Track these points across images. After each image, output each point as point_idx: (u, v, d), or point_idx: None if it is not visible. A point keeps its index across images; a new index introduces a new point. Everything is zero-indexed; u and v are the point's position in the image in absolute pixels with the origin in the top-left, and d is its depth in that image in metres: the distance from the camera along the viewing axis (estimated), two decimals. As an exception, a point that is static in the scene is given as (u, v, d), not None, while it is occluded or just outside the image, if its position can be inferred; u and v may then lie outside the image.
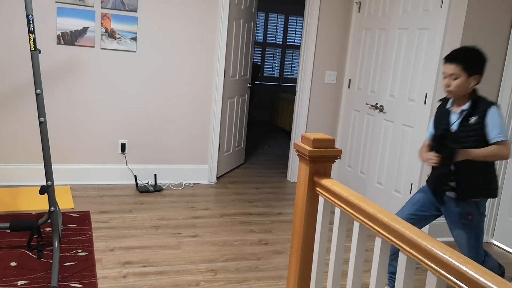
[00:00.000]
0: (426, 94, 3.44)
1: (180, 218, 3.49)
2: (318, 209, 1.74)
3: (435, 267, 1.13)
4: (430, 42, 3.41)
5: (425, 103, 3.45)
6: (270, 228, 3.45)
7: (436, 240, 1.19)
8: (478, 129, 2.19)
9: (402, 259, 1.27)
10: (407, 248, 1.22)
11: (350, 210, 1.50)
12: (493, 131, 2.16)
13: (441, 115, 2.38)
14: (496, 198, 3.45)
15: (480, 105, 2.20)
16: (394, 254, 2.39)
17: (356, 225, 1.51)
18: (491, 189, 2.30)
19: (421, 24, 3.51)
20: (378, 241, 1.38)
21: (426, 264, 1.16)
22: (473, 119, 2.20)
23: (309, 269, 1.80)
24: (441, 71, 3.33)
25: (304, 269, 1.80)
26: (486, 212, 2.36)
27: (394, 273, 2.42)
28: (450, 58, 2.21)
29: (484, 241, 3.50)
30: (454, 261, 1.09)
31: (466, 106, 2.23)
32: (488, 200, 3.44)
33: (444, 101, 2.39)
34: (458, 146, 2.22)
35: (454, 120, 2.30)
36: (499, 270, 2.47)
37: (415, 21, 3.57)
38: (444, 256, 1.11)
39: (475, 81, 2.21)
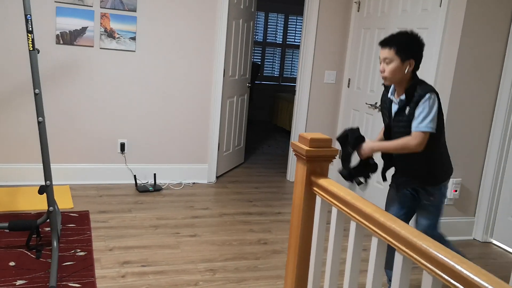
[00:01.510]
0: (425, 93, 3.43)
1: (180, 217, 3.49)
2: (315, 208, 1.74)
3: (431, 267, 1.13)
4: (429, 42, 3.41)
5: (424, 103, 3.45)
6: (270, 228, 3.45)
7: (431, 240, 1.19)
8: (410, 120, 2.11)
9: (398, 259, 1.27)
10: (403, 248, 1.22)
11: (347, 210, 1.50)
12: (415, 121, 2.08)
13: (384, 103, 2.31)
14: (495, 198, 3.45)
15: (416, 94, 2.09)
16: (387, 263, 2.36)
17: (352, 225, 1.51)
18: (440, 175, 2.25)
19: (420, 24, 3.50)
20: (374, 241, 1.38)
21: (422, 263, 1.16)
22: (407, 110, 2.12)
23: (307, 268, 1.80)
24: (440, 71, 3.33)
25: (301, 269, 1.80)
26: (447, 194, 2.35)
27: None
28: (384, 42, 2.13)
29: (483, 240, 3.51)
30: (449, 261, 1.09)
31: (403, 96, 2.15)
32: (488, 198, 3.45)
33: (386, 88, 2.29)
34: (393, 137, 2.19)
35: (394, 110, 2.23)
36: None
37: (414, 21, 3.57)
38: (439, 255, 1.11)
39: (410, 66, 2.10)
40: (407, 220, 2.41)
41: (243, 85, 4.88)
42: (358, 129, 2.23)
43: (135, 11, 3.89)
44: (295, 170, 5.06)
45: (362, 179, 2.27)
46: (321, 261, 1.77)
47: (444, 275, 1.09)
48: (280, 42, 8.23)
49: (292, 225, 1.82)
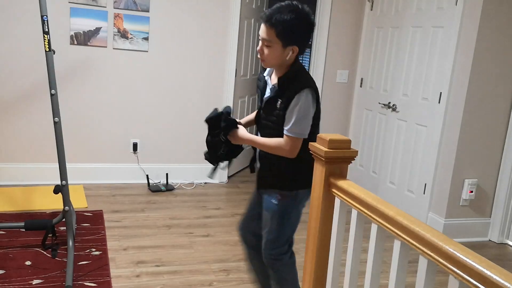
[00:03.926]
0: (441, 93, 3.40)
1: (192, 217, 3.49)
2: (334, 210, 1.73)
3: (457, 271, 1.11)
4: (444, 40, 3.37)
5: (439, 102, 3.41)
6: (282, 228, 3.44)
7: (457, 243, 1.16)
8: (281, 116, 1.80)
9: (422, 262, 1.25)
10: (428, 252, 1.20)
11: (368, 212, 1.48)
12: (287, 123, 1.79)
13: (259, 81, 1.99)
14: (506, 198, 3.40)
15: (290, 87, 1.77)
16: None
17: (374, 227, 1.49)
18: (293, 182, 1.91)
19: (435, 22, 3.46)
20: (397, 244, 1.36)
21: (448, 268, 1.14)
22: (279, 103, 1.80)
23: (325, 270, 1.79)
24: (456, 70, 3.29)
25: (319, 270, 1.79)
26: (305, 203, 1.96)
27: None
28: (265, 17, 1.73)
29: (500, 242, 3.46)
30: (477, 265, 1.07)
31: (277, 84, 1.83)
32: (504, 199, 3.40)
33: (267, 74, 1.95)
34: (261, 127, 1.91)
35: (266, 95, 1.90)
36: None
37: (429, 19, 3.53)
38: (467, 259, 1.09)
39: (293, 53, 1.77)
40: (252, 225, 2.11)
41: (255, 85, 4.87)
42: (230, 111, 1.93)
43: (148, 11, 3.90)
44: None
45: (223, 163, 2.03)
46: (339, 263, 1.76)
47: (472, 280, 1.07)
48: (291, 41, 8.21)
49: (310, 227, 1.81)
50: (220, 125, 1.90)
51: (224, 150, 1.98)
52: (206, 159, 2.05)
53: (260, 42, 1.79)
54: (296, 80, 1.79)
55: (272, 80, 1.90)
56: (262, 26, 1.76)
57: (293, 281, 2.06)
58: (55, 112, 2.58)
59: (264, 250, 2.01)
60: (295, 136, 1.80)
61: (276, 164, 1.91)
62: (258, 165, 2.03)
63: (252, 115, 2.09)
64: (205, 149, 2.04)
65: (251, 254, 2.17)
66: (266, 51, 1.77)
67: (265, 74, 1.94)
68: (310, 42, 1.91)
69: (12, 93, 3.74)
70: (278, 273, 2.04)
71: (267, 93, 1.90)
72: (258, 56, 1.83)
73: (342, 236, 1.72)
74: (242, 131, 1.93)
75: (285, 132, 1.81)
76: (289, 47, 1.75)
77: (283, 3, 1.75)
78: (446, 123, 3.37)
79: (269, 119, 1.88)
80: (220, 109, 1.96)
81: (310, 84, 1.79)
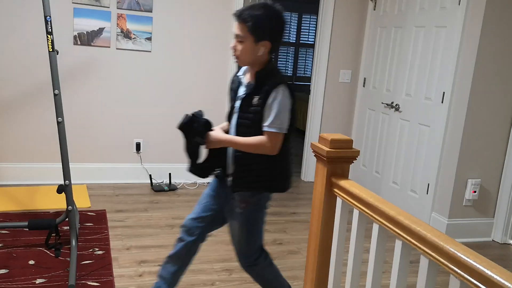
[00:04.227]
0: (444, 93, 3.39)
1: (195, 217, 3.49)
2: (335, 210, 1.73)
3: (459, 271, 1.11)
4: (447, 40, 3.36)
5: (442, 102, 3.40)
6: (285, 228, 3.44)
7: (459, 243, 1.16)
8: (258, 112, 1.78)
9: (423, 263, 1.25)
10: (429, 252, 1.20)
11: (369, 212, 1.48)
12: (267, 119, 1.76)
13: (233, 83, 1.97)
14: (509, 198, 3.39)
15: (267, 83, 1.77)
16: (170, 257, 2.08)
17: (375, 227, 1.49)
18: (270, 182, 1.88)
19: (439, 22, 3.45)
20: (398, 244, 1.36)
21: (449, 268, 1.14)
22: (255, 99, 1.79)
23: (327, 269, 1.79)
24: (459, 70, 3.28)
25: (321, 270, 1.79)
26: (267, 206, 1.95)
27: (163, 277, 2.09)
28: (237, 14, 1.79)
29: (503, 242, 3.44)
30: (478, 265, 1.07)
31: (253, 80, 1.83)
32: (508, 199, 3.39)
33: (240, 66, 1.95)
34: (237, 128, 1.86)
35: (241, 93, 1.90)
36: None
37: (432, 19, 3.52)
38: (468, 260, 1.09)
39: (266, 48, 1.78)
40: (206, 228, 2.07)
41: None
42: (202, 114, 1.90)
43: (151, 11, 3.91)
44: (311, 170, 5.01)
45: (218, 171, 1.95)
46: (341, 262, 1.76)
47: (473, 280, 1.07)
48: (294, 41, 8.20)
49: (312, 227, 1.81)
50: (195, 129, 1.86)
51: (208, 161, 1.93)
52: (191, 171, 1.95)
53: (234, 40, 1.82)
54: (273, 76, 1.80)
55: (246, 79, 1.90)
56: (236, 23, 1.79)
57: (276, 279, 2.09)
58: (59, 112, 2.60)
59: (239, 260, 2.03)
60: (276, 131, 1.77)
61: (253, 164, 1.86)
62: (230, 170, 1.94)
63: (224, 124, 2.04)
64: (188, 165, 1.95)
65: (188, 244, 2.06)
66: (239, 47, 1.79)
67: (239, 74, 1.95)
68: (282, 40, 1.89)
69: (16, 93, 3.76)
70: (259, 277, 2.06)
71: (242, 92, 1.89)
72: (232, 54, 1.85)
73: (344, 236, 1.73)
74: (217, 133, 1.90)
75: (265, 128, 1.78)
76: (261, 42, 1.76)
77: (254, 3, 1.81)
78: (449, 123, 3.36)
79: (245, 117, 1.84)
80: (190, 114, 1.93)
81: (285, 81, 1.80)
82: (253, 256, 2.00)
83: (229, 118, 1.98)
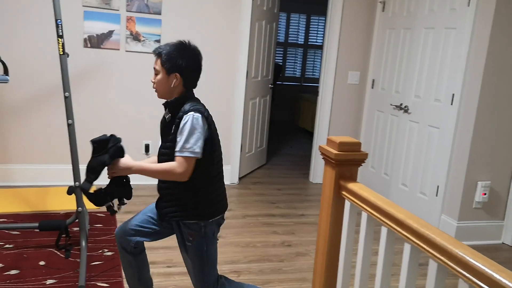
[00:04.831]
0: (453, 94, 3.37)
1: (203, 218, 3.50)
2: (344, 213, 1.73)
3: (468, 275, 1.11)
4: (457, 42, 3.34)
5: (452, 104, 3.38)
6: (293, 230, 3.44)
7: (468, 247, 1.16)
8: (174, 140, 1.82)
9: (432, 266, 1.25)
10: (438, 255, 1.20)
11: (378, 215, 1.48)
12: (177, 143, 1.79)
13: (162, 122, 2.01)
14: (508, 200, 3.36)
15: (181, 109, 1.85)
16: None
17: (384, 230, 1.49)
18: (195, 210, 1.89)
19: (448, 23, 3.43)
20: (407, 247, 1.36)
21: (458, 271, 1.14)
22: (173, 127, 1.85)
23: (335, 272, 1.79)
24: (469, 71, 3.26)
25: (330, 273, 1.79)
26: (218, 235, 1.98)
27: None
28: (154, 50, 1.94)
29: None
30: (487, 269, 1.06)
31: (168, 113, 1.92)
32: (504, 200, 3.36)
33: (165, 104, 1.98)
34: (158, 160, 1.89)
35: (162, 127, 1.98)
36: None
37: (441, 20, 3.50)
38: (477, 263, 1.09)
39: (177, 80, 1.88)
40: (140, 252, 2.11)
41: (266, 86, 4.88)
42: (120, 140, 1.93)
43: (160, 14, 3.93)
44: (319, 171, 4.99)
45: (115, 204, 1.92)
46: (350, 265, 1.76)
47: (482, 284, 1.06)
48: (302, 43, 8.19)
49: (320, 229, 1.81)
50: (108, 148, 1.86)
51: (106, 189, 1.91)
52: (83, 189, 1.90)
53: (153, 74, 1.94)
54: (186, 104, 1.88)
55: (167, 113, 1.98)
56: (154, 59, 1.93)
57: None
58: (69, 114, 2.63)
59: None
60: (186, 156, 1.78)
61: (176, 194, 1.90)
62: (160, 200, 1.99)
63: (153, 158, 2.05)
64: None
65: (128, 258, 2.11)
66: (155, 79, 1.92)
67: (165, 112, 2.00)
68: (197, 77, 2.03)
69: (27, 95, 3.81)
70: None
71: (163, 125, 1.97)
72: (153, 87, 1.95)
73: (352, 239, 1.72)
74: (127, 159, 1.90)
75: (176, 154, 1.80)
76: (172, 74, 1.88)
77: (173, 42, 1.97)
78: (458, 125, 3.34)
79: (164, 147, 1.91)
80: (109, 135, 1.96)
81: (199, 108, 1.86)
82: (212, 286, 2.00)
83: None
